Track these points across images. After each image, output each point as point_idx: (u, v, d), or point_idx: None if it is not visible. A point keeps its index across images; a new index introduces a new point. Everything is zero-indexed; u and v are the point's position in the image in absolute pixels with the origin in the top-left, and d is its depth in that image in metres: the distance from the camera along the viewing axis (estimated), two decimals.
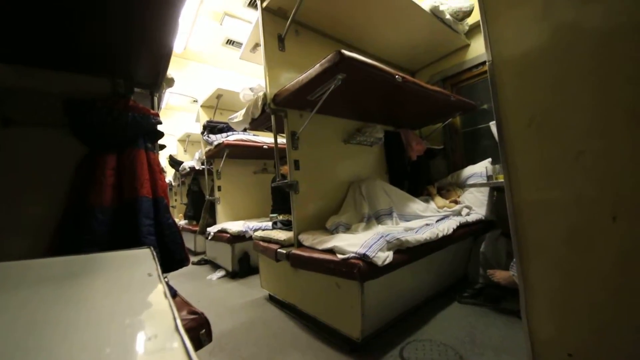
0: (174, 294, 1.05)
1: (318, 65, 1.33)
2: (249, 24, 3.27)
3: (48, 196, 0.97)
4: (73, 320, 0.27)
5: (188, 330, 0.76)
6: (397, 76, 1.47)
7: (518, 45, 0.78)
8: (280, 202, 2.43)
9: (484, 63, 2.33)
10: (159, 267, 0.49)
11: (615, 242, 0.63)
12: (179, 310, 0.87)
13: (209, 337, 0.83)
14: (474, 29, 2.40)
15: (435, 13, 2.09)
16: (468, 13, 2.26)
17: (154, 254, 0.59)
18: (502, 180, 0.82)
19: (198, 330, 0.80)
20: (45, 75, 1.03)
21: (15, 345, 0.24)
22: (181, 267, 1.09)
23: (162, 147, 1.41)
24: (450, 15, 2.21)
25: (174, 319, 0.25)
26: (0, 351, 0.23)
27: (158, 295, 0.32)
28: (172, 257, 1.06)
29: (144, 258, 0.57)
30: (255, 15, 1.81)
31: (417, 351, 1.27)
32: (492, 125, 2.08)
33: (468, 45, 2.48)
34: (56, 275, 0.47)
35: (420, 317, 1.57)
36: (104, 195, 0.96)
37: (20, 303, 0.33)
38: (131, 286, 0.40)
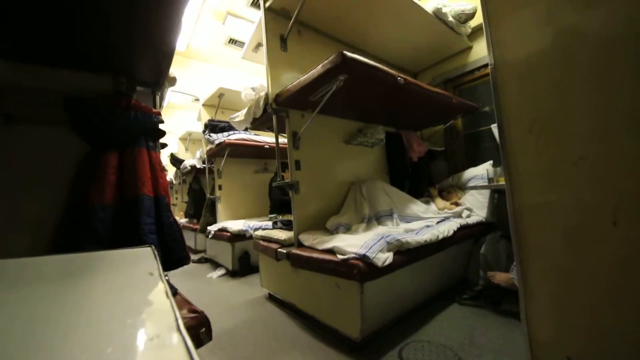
0: (174, 292, 1.06)
1: (320, 66, 1.33)
2: (251, 23, 3.28)
3: (49, 194, 0.98)
4: (74, 320, 0.27)
5: (188, 329, 0.76)
6: (399, 78, 1.47)
7: (520, 49, 0.78)
8: (277, 208, 2.45)
9: (486, 65, 2.33)
10: (160, 265, 0.49)
11: (616, 246, 0.63)
12: (180, 308, 0.87)
13: (209, 335, 0.83)
14: (476, 32, 2.40)
15: (438, 15, 2.09)
16: (471, 15, 2.25)
17: (155, 252, 0.59)
18: (503, 182, 0.82)
19: (198, 328, 0.80)
20: (47, 73, 1.03)
21: (15, 345, 0.24)
22: (182, 265, 1.09)
23: (164, 145, 1.41)
24: (453, 17, 2.20)
25: (176, 319, 0.25)
26: (0, 350, 0.23)
27: (159, 295, 0.32)
28: (173, 256, 1.06)
29: (145, 257, 0.57)
30: (258, 14, 1.81)
31: (416, 352, 1.27)
32: (494, 128, 2.08)
33: (470, 48, 2.48)
34: (56, 273, 0.47)
35: (419, 318, 1.57)
36: (105, 193, 0.96)
37: (20, 301, 0.33)
38: (132, 285, 0.40)
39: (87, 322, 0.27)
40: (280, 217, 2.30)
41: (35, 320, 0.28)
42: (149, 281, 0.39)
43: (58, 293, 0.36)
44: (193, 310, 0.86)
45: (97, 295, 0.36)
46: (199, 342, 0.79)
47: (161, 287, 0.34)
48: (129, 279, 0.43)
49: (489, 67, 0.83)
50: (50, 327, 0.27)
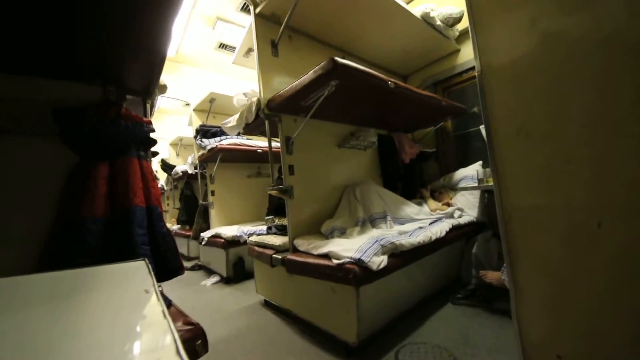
0: (168, 304, 1.05)
1: (311, 72, 1.34)
2: (242, 28, 3.27)
3: (38, 207, 0.95)
4: (74, 348, 0.27)
5: (184, 342, 0.75)
6: (389, 82, 1.49)
7: (507, 55, 0.80)
8: (274, 209, 2.45)
9: (473, 68, 2.37)
10: (154, 280, 0.49)
11: (602, 247, 0.65)
12: (175, 321, 0.86)
13: (205, 347, 0.83)
14: (464, 35, 2.45)
15: (426, 19, 2.13)
16: (458, 19, 2.30)
17: (149, 266, 0.58)
18: (492, 184, 0.84)
19: (194, 341, 0.80)
20: (35, 83, 1.01)
21: None
22: (176, 276, 1.08)
23: (155, 154, 1.40)
24: (441, 21, 2.25)
25: (175, 341, 0.25)
26: None
27: (156, 315, 0.32)
28: (166, 267, 1.05)
29: (138, 271, 0.57)
30: (248, 19, 1.81)
31: (412, 354, 1.28)
32: (482, 129, 2.12)
33: (458, 51, 2.53)
34: (50, 293, 0.46)
35: (415, 320, 1.59)
36: (96, 205, 0.94)
37: (19, 327, 0.33)
38: (128, 304, 0.39)
39: (88, 349, 0.27)
40: (277, 220, 2.29)
41: (36, 349, 0.28)
42: (144, 300, 0.39)
43: (56, 317, 0.35)
44: (188, 322, 0.86)
45: (94, 318, 0.35)
46: (195, 354, 0.79)
47: (158, 308, 0.34)
48: (124, 296, 0.43)
49: (476, 73, 0.85)
50: (54, 354, 0.26)
